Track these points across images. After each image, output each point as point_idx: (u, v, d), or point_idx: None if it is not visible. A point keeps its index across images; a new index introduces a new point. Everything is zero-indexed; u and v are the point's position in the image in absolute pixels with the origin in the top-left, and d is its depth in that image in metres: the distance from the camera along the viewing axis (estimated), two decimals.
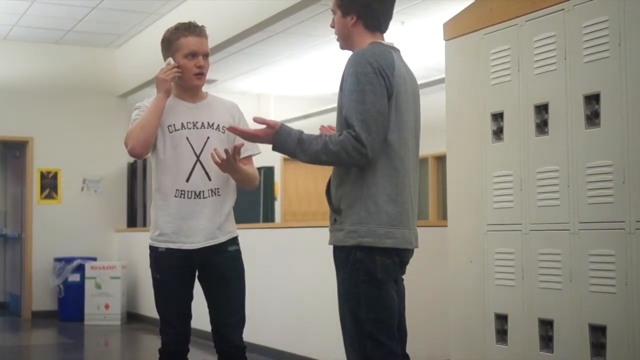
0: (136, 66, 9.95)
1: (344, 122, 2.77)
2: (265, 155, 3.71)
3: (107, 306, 9.43)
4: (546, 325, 3.95)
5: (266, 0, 6.89)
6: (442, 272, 4.89)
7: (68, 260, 9.74)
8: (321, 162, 2.77)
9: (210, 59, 3.55)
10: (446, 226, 4.67)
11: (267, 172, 8.69)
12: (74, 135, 10.29)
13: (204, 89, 3.58)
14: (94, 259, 9.94)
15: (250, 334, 3.53)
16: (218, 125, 3.46)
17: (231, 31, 7.53)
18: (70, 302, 9.63)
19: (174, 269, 3.44)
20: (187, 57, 3.40)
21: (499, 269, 4.22)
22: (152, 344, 8.18)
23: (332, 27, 3.03)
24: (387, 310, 2.80)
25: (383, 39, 2.96)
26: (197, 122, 3.44)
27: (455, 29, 4.60)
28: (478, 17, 4.43)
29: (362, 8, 2.90)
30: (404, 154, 2.83)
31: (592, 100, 3.75)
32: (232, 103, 3.59)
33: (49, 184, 10.18)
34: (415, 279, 5.88)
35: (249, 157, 3.55)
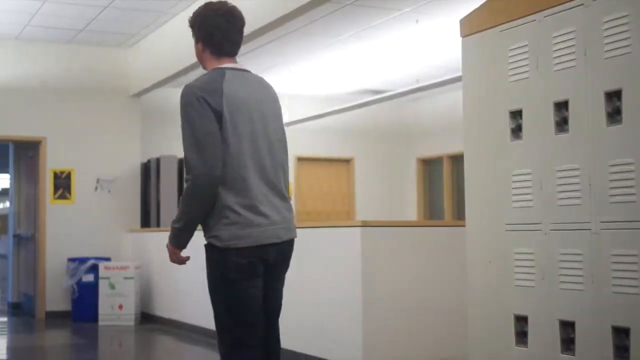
0: (149, 65, 9.92)
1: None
2: None
3: (120, 306, 9.41)
4: (567, 327, 3.88)
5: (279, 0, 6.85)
6: (460, 272, 4.83)
7: (82, 261, 9.73)
8: (192, 216, 3.10)
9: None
10: (464, 226, 4.60)
11: None
12: (87, 135, 10.28)
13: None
14: (108, 259, 9.93)
15: None
16: None
17: (245, 29, 7.47)
18: (84, 302, 9.63)
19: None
20: None
21: (519, 270, 4.15)
22: (166, 344, 8.15)
23: None
24: (241, 307, 3.13)
25: (233, 61, 3.30)
26: None
27: (472, 25, 4.53)
28: (495, 13, 4.36)
29: (205, 37, 3.31)
30: (246, 160, 3.11)
31: (614, 97, 3.68)
32: None
33: (63, 184, 10.17)
34: (432, 279, 5.85)
35: None
